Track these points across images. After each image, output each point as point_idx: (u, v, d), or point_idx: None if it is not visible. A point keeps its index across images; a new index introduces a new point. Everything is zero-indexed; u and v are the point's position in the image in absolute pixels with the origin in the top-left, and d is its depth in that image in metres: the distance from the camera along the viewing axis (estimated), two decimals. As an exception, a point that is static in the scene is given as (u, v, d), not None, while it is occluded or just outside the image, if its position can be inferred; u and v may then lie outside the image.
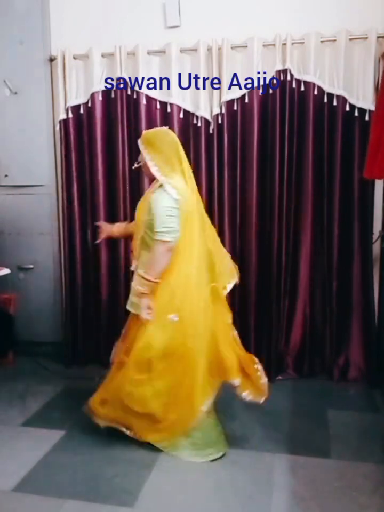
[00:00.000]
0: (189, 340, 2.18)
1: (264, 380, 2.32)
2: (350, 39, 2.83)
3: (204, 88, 3.01)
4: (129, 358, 2.22)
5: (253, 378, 2.29)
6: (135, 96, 3.10)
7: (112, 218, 3.11)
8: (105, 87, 3.14)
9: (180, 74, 3.04)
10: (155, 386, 2.21)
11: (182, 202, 2.17)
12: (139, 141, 2.30)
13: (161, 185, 2.20)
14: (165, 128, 2.39)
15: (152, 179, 2.31)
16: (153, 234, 2.18)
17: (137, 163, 2.36)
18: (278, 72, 2.91)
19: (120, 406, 2.25)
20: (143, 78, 3.07)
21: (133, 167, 2.45)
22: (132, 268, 2.38)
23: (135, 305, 2.29)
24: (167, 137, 2.27)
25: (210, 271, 2.27)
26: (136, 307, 2.27)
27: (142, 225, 2.26)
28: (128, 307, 2.36)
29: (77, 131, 3.23)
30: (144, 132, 2.36)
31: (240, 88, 2.97)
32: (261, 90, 2.95)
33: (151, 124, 3.09)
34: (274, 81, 2.91)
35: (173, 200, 2.16)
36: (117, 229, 2.59)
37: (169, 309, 2.18)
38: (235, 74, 2.97)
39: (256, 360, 2.36)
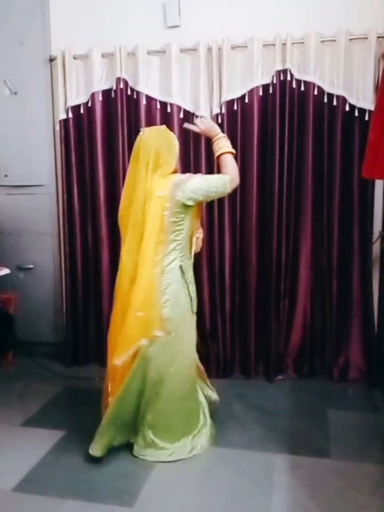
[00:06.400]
0: None
1: None
2: (350, 39, 2.83)
3: (204, 88, 3.01)
4: None
5: None
6: (135, 96, 3.10)
7: (112, 218, 3.11)
8: (105, 87, 3.14)
9: (180, 74, 3.04)
10: None
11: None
12: None
13: None
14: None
15: None
16: None
17: None
18: (278, 72, 2.91)
19: None
20: (143, 78, 3.07)
21: None
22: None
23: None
24: None
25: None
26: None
27: None
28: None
29: (77, 131, 3.23)
30: None
31: (240, 88, 2.98)
32: (261, 90, 2.96)
33: (151, 124, 3.08)
34: (274, 81, 2.92)
35: None
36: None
37: None
38: (235, 74, 2.97)
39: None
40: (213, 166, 3.04)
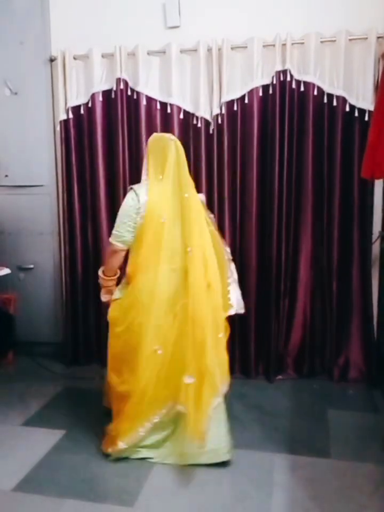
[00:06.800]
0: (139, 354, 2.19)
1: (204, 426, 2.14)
2: (350, 40, 2.83)
3: (204, 89, 3.02)
4: None
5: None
6: (135, 97, 3.10)
7: (112, 218, 3.10)
8: (106, 87, 3.15)
9: (180, 75, 3.04)
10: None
11: (148, 206, 2.17)
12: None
13: (131, 188, 2.26)
14: (163, 134, 2.38)
15: None
16: None
17: None
18: (278, 72, 2.91)
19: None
20: (143, 79, 3.07)
21: None
22: None
23: None
24: (160, 142, 2.27)
25: (182, 286, 2.19)
26: None
27: None
28: None
29: (77, 131, 3.23)
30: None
31: (240, 89, 2.98)
32: (260, 91, 2.96)
33: (151, 124, 3.10)
34: (274, 81, 2.92)
35: (134, 207, 2.18)
36: None
37: (123, 321, 2.25)
38: (235, 75, 2.98)
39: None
40: (213, 170, 3.06)
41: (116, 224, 2.24)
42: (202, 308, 2.15)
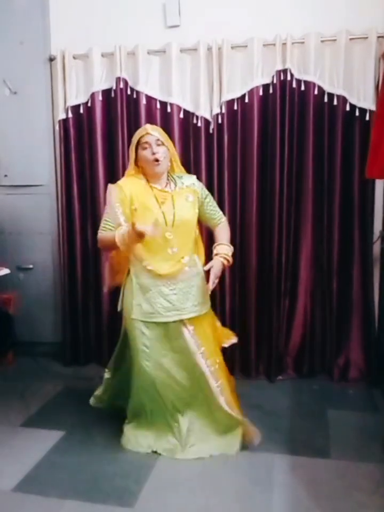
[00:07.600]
0: None
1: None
2: (350, 39, 2.83)
3: (204, 88, 3.01)
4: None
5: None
6: (135, 96, 3.10)
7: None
8: (105, 86, 3.14)
9: (180, 74, 3.04)
10: None
11: None
12: (163, 135, 2.27)
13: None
14: None
15: (154, 175, 2.26)
16: (213, 219, 2.40)
17: (159, 155, 2.21)
18: (278, 72, 2.91)
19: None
20: (143, 78, 3.07)
21: (159, 159, 2.21)
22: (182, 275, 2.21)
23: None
24: None
25: None
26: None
27: (190, 224, 2.27)
28: (193, 313, 2.25)
29: (77, 131, 3.23)
30: (159, 128, 2.36)
31: (240, 88, 2.98)
32: (261, 90, 2.96)
33: (151, 124, 3.09)
34: (275, 81, 2.92)
35: None
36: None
37: None
38: (235, 74, 2.97)
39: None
40: (213, 170, 3.05)
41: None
42: None
